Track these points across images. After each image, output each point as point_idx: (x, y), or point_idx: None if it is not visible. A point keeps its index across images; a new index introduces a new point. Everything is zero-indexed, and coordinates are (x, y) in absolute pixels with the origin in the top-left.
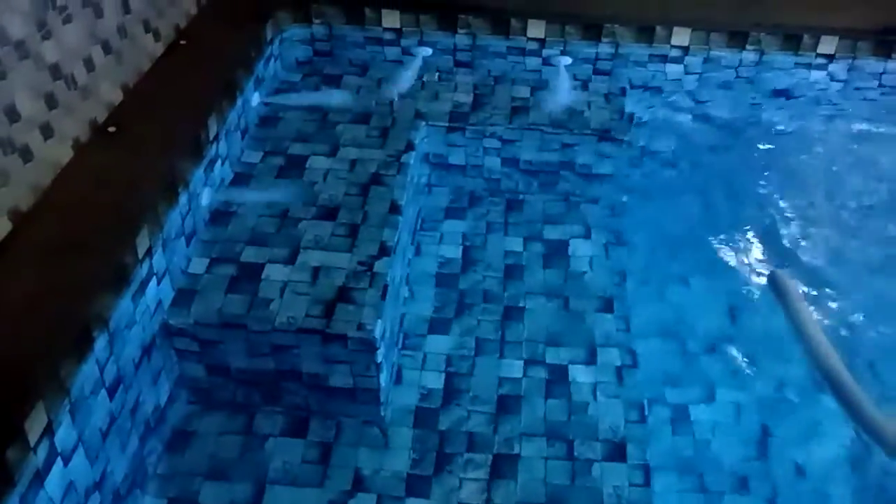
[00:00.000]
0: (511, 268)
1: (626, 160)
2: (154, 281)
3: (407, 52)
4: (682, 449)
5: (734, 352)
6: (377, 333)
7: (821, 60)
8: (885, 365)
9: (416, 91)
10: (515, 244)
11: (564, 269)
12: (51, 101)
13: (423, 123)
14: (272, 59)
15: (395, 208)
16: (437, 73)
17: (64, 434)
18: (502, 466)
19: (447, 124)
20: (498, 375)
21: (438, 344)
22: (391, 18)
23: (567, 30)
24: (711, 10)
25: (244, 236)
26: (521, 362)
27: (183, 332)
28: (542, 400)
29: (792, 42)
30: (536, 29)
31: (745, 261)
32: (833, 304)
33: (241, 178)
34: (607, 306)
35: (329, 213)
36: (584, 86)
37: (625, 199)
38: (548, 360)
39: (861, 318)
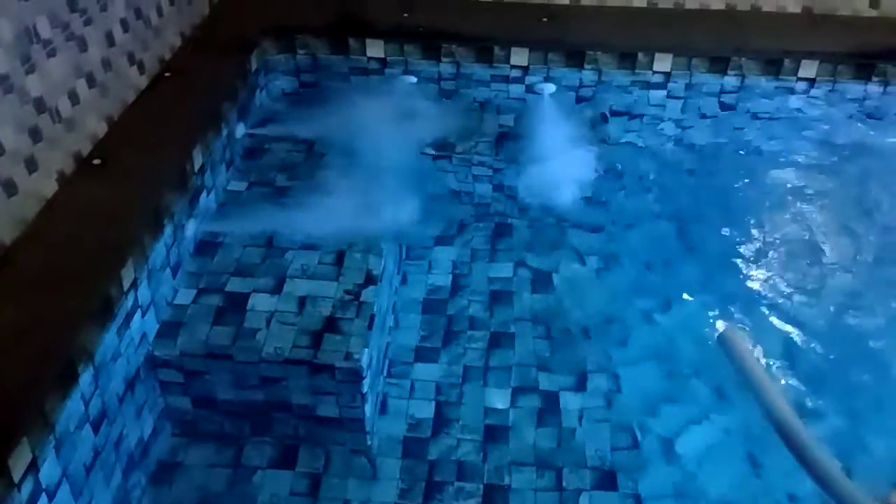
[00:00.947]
0: (497, 293)
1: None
2: (139, 313)
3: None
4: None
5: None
6: (363, 363)
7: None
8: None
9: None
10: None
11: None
12: (35, 135)
13: None
14: (257, 90)
15: None
16: None
17: (48, 470)
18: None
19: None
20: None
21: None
22: (376, 48)
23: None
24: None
25: (230, 267)
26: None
27: (168, 364)
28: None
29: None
30: (519, 57)
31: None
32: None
33: (227, 209)
34: None
35: (313, 244)
36: None
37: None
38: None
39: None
